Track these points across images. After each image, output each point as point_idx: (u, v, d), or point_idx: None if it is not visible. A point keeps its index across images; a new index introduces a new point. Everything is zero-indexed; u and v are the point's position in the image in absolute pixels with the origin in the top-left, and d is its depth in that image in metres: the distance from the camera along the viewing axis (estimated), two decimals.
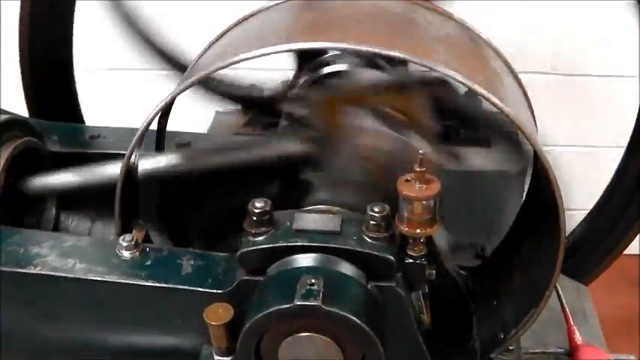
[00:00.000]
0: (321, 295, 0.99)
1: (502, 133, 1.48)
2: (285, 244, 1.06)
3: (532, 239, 1.26)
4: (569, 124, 1.77)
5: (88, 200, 1.41)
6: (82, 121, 1.73)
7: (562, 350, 1.39)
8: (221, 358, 1.10)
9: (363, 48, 1.03)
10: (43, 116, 1.56)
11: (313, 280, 1.00)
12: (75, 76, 1.69)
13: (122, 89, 1.90)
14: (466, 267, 1.43)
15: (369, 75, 1.42)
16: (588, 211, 1.72)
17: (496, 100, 1.04)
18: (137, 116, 1.17)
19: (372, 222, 1.06)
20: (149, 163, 1.27)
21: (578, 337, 1.38)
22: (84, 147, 1.43)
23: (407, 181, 1.04)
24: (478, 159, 1.59)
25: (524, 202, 1.33)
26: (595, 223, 1.71)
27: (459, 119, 1.55)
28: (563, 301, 1.43)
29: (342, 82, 1.42)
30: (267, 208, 1.07)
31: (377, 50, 1.04)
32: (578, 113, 1.90)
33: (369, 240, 1.06)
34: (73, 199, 1.41)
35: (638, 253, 2.09)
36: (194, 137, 1.41)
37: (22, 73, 1.61)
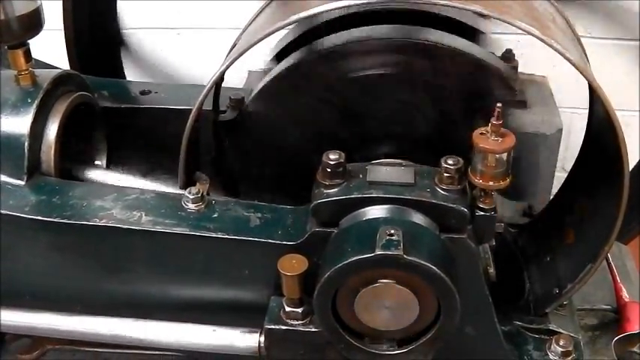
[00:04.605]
0: (401, 245, 0.99)
1: None
2: (360, 196, 1.06)
3: (588, 196, 1.27)
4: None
5: (138, 155, 1.40)
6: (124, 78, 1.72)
7: (609, 307, 1.40)
8: (293, 309, 1.10)
9: (442, 2, 1.03)
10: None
11: (392, 231, 1.01)
12: (120, 34, 1.68)
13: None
14: (514, 225, 1.45)
15: None
16: None
17: (572, 58, 1.05)
18: None
19: (445, 174, 1.06)
20: None
21: (626, 295, 1.39)
22: (135, 102, 1.42)
23: (482, 134, 1.04)
24: (515, 120, 1.59)
25: (577, 162, 1.33)
26: (634, 183, 1.71)
27: None
28: (610, 259, 1.44)
29: None
30: (342, 160, 1.07)
31: (456, 5, 1.04)
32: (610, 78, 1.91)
33: (442, 192, 1.07)
34: (123, 154, 1.41)
35: None
36: (246, 93, 1.41)
37: (65, 29, 1.60)
